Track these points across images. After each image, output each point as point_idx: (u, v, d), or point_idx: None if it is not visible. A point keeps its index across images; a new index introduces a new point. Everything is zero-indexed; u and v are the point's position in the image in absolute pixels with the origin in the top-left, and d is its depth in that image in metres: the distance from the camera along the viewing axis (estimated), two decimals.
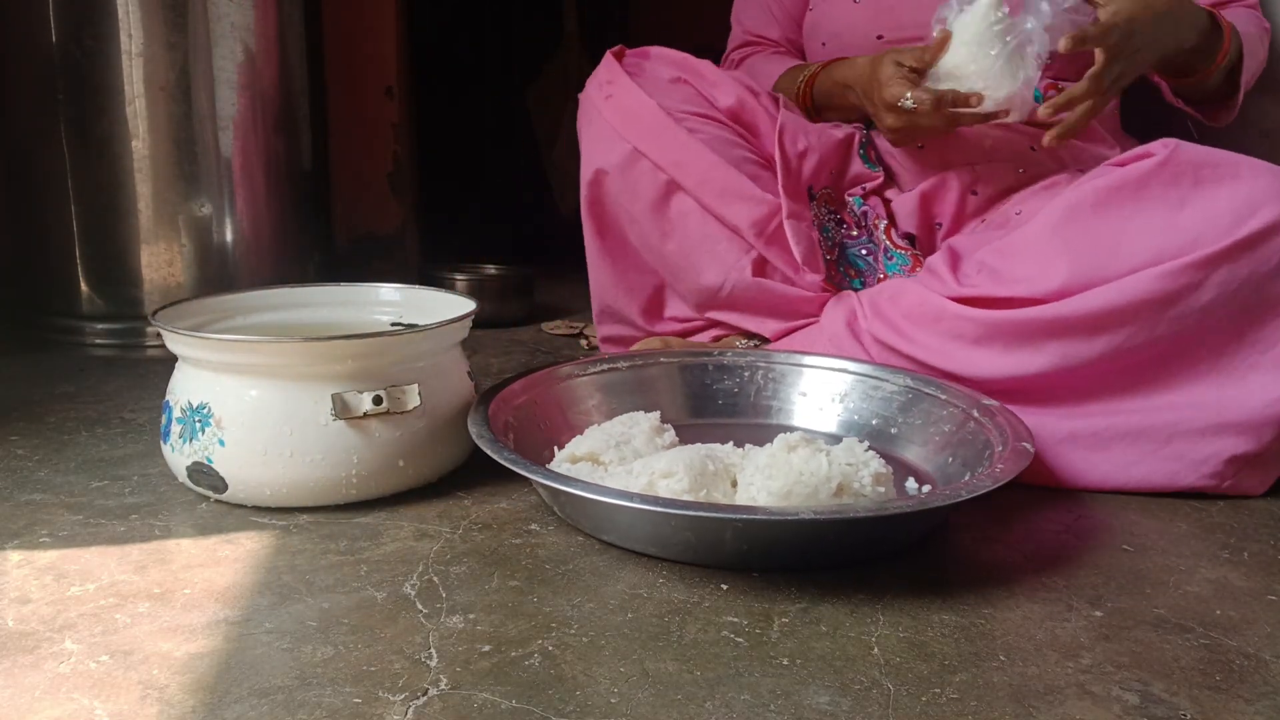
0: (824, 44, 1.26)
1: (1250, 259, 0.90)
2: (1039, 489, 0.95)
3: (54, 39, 1.35)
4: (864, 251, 1.21)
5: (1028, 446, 0.84)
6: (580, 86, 1.22)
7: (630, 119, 1.14)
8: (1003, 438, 0.87)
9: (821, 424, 1.04)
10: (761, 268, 1.14)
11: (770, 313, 1.15)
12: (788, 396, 1.07)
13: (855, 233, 1.21)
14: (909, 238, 1.21)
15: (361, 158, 1.88)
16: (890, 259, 1.19)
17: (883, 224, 1.21)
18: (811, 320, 1.15)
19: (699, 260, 1.15)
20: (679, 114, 1.14)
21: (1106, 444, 0.94)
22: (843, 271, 1.19)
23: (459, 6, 2.73)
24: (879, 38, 1.20)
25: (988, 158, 1.17)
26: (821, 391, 1.05)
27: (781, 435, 0.83)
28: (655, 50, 1.23)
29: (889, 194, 1.23)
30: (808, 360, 1.07)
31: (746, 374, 1.08)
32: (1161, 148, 0.95)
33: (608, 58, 1.20)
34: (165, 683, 0.62)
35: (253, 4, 1.43)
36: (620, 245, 1.20)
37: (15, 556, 0.79)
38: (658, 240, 1.16)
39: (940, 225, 1.20)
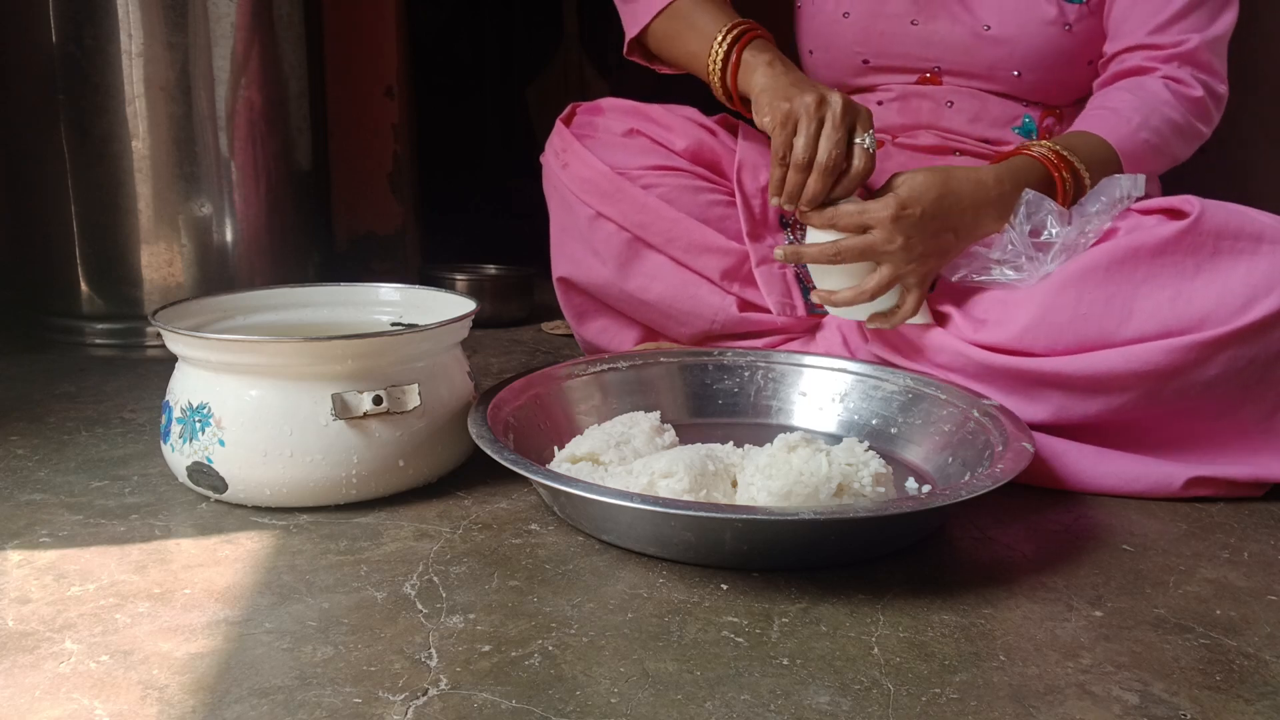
0: (811, 51, 1.23)
1: (1259, 342, 0.88)
2: (1039, 489, 0.94)
3: (54, 38, 1.35)
4: None
5: (1028, 446, 0.84)
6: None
7: (588, 186, 1.15)
8: (1003, 438, 0.87)
9: (821, 424, 1.04)
10: (746, 304, 1.15)
11: (761, 336, 1.16)
12: (788, 396, 1.07)
13: None
14: None
15: (361, 158, 1.88)
16: None
17: None
18: (802, 336, 1.15)
19: (682, 308, 1.15)
20: (636, 171, 1.15)
21: (1111, 458, 0.94)
22: None
23: (459, 6, 2.73)
24: (864, 62, 1.17)
25: None
26: (821, 391, 1.05)
27: (781, 435, 0.83)
28: (608, 103, 1.22)
29: None
30: (808, 360, 1.07)
31: (746, 374, 1.08)
32: (1186, 205, 0.92)
33: (558, 126, 1.21)
34: (165, 683, 0.62)
35: (253, 4, 1.43)
36: (599, 305, 1.22)
37: (15, 556, 0.79)
38: (636, 301, 1.17)
39: None
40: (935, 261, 0.96)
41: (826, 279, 1.00)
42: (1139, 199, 0.97)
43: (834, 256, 0.95)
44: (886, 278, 0.96)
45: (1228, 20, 1.08)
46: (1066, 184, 0.98)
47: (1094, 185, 0.99)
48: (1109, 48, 1.10)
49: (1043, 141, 1.01)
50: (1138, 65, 1.07)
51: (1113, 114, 1.03)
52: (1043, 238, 0.95)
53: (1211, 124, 1.09)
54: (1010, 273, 0.96)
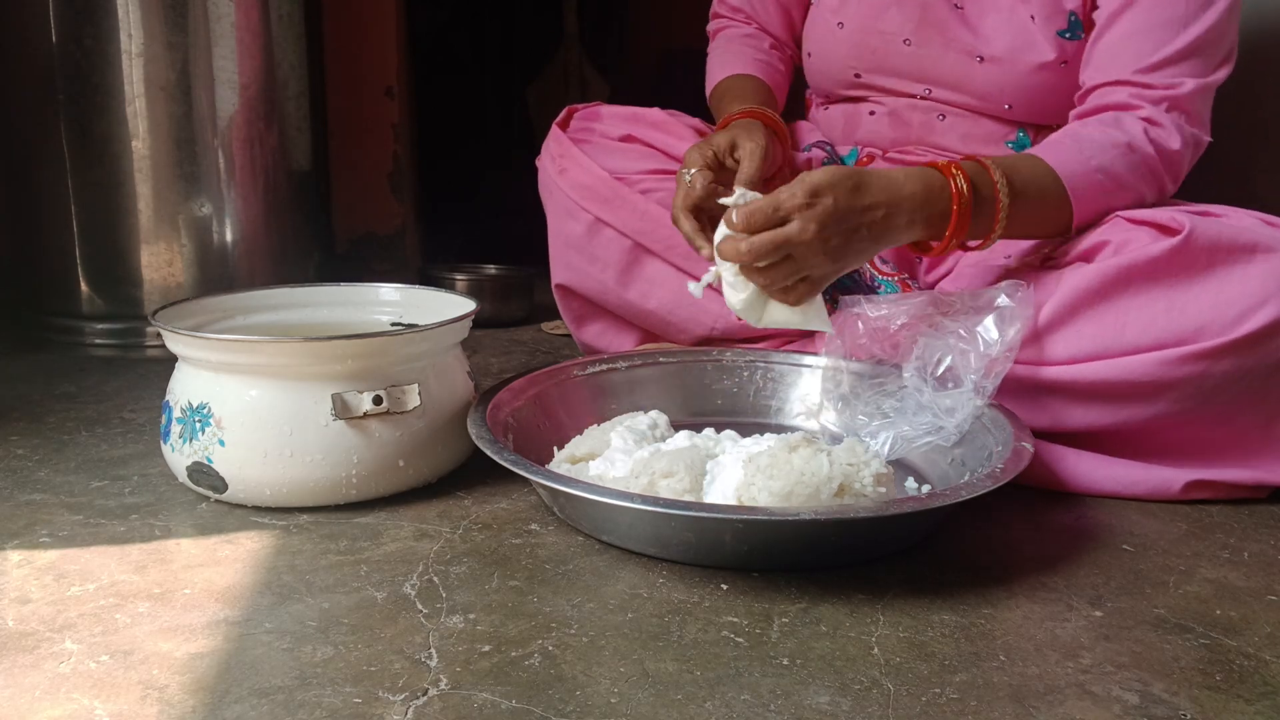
0: (809, 54, 1.22)
1: (1256, 353, 0.88)
2: (1039, 489, 0.94)
3: (54, 39, 1.35)
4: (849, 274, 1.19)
5: (1028, 446, 0.84)
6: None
7: (587, 192, 1.15)
8: (1003, 438, 0.87)
9: (821, 423, 1.04)
10: None
11: (760, 341, 1.16)
12: (787, 396, 1.07)
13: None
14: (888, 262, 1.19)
15: (361, 158, 1.88)
16: (878, 287, 1.17)
17: None
18: (801, 340, 1.15)
19: (682, 314, 1.15)
20: (635, 176, 1.15)
21: (1110, 462, 0.94)
22: (829, 298, 1.17)
23: (459, 7, 2.73)
24: (856, 75, 1.16)
25: None
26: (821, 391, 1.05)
27: (783, 435, 0.83)
28: (606, 109, 1.22)
29: None
30: (807, 360, 1.07)
31: (746, 374, 1.08)
32: (1174, 223, 0.90)
33: (554, 131, 1.21)
34: (165, 683, 0.62)
35: (253, 4, 1.43)
36: (597, 309, 1.22)
37: (15, 556, 0.79)
38: (636, 308, 1.17)
39: (921, 259, 1.17)
40: (845, 263, 0.90)
41: (738, 291, 0.92)
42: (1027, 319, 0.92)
43: (746, 254, 0.88)
44: (791, 269, 0.89)
45: (1223, 74, 1.00)
46: (962, 191, 0.89)
47: (1013, 205, 0.92)
48: (1089, 78, 1.03)
49: (971, 157, 0.94)
50: (1123, 102, 0.99)
51: (1074, 143, 0.97)
52: (950, 390, 0.92)
53: (1180, 179, 1.01)
54: (930, 436, 0.92)
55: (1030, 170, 0.95)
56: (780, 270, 0.88)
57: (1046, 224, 0.98)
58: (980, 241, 0.95)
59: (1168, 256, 0.89)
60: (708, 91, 1.25)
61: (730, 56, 1.24)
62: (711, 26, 1.33)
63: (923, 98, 1.14)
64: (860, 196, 0.87)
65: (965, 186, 0.90)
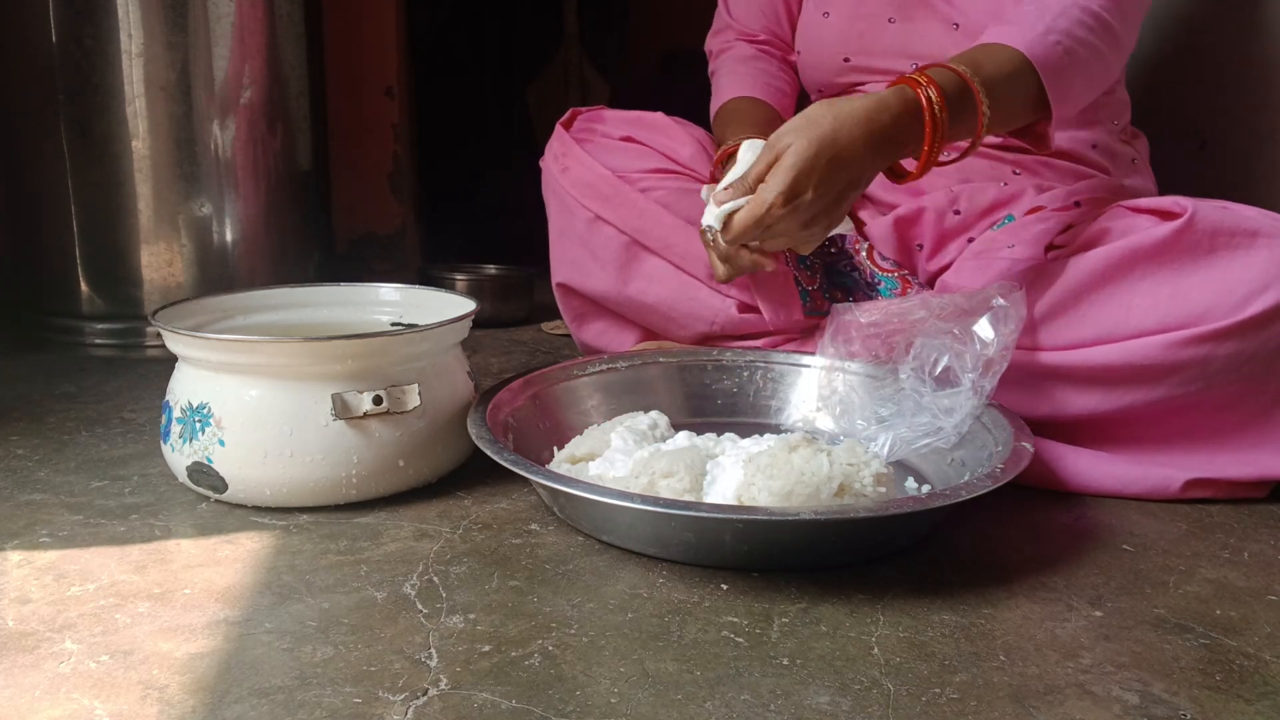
0: (799, 52, 1.23)
1: (1258, 337, 0.88)
2: (1039, 489, 0.94)
3: (54, 39, 1.35)
4: (848, 268, 1.18)
5: (1028, 446, 0.84)
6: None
7: (588, 190, 1.16)
8: (1003, 438, 0.87)
9: (821, 424, 1.04)
10: (745, 306, 1.15)
11: (760, 337, 1.16)
12: (787, 396, 1.07)
13: (833, 250, 1.19)
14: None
15: (361, 158, 1.88)
16: (879, 284, 1.17)
17: (864, 248, 1.17)
18: (800, 337, 1.15)
19: (682, 310, 1.15)
20: (635, 175, 1.15)
21: (1110, 461, 0.94)
22: (829, 297, 1.17)
23: (459, 7, 2.73)
24: (845, 60, 1.17)
25: (965, 179, 1.13)
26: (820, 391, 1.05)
27: (783, 435, 0.83)
28: (609, 113, 1.23)
29: (862, 214, 1.20)
30: (807, 360, 1.07)
31: (746, 374, 1.08)
32: (1176, 206, 0.92)
33: (558, 130, 1.22)
34: (165, 683, 0.62)
35: (253, 3, 1.43)
36: (598, 308, 1.22)
37: (15, 556, 0.79)
38: (636, 304, 1.17)
39: (921, 247, 1.17)
40: (840, 211, 0.91)
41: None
42: (1022, 318, 0.92)
43: (739, 252, 0.95)
44: (792, 239, 0.92)
45: None
46: (935, 106, 0.88)
47: (994, 103, 0.90)
48: None
49: (939, 65, 0.92)
50: None
51: (1015, 25, 0.95)
52: (948, 390, 0.92)
53: (1128, 19, 0.98)
54: (928, 438, 0.92)
55: (997, 61, 0.92)
56: (783, 241, 0.93)
57: (1026, 110, 0.95)
58: (958, 155, 0.94)
59: (1172, 238, 0.90)
60: (712, 113, 1.25)
61: (736, 79, 1.25)
62: (715, 44, 1.32)
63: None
64: (839, 170, 0.88)
65: (937, 97, 0.88)
